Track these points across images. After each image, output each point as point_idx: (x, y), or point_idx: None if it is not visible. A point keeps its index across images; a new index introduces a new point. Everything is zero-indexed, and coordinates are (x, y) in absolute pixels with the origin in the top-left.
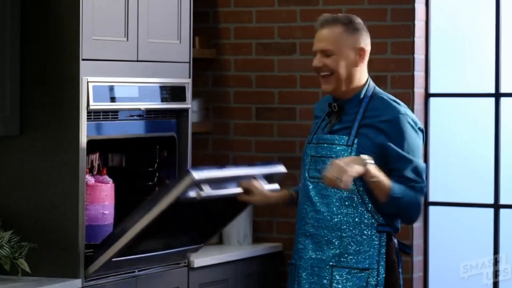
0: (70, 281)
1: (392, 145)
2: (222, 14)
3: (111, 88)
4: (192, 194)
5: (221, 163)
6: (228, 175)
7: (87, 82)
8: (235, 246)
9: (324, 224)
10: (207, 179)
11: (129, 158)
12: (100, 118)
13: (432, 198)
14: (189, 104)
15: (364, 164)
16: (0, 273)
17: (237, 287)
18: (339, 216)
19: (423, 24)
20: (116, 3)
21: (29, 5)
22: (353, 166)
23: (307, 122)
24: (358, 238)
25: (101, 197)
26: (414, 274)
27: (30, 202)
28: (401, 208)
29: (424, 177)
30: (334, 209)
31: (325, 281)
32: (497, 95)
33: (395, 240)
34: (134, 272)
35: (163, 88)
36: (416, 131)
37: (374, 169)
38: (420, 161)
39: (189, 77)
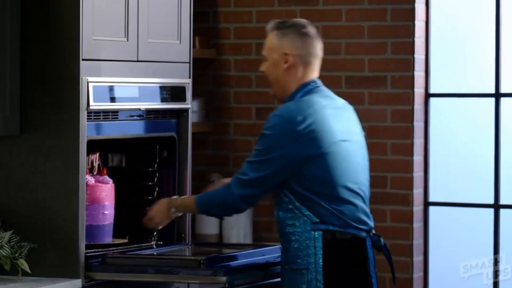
0: (70, 281)
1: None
2: (222, 14)
3: (111, 88)
4: None
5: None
6: None
7: (87, 82)
8: None
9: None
10: None
11: (129, 158)
12: (100, 118)
13: (432, 198)
14: (189, 104)
15: (169, 212)
16: (0, 273)
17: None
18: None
19: (423, 24)
20: (116, 3)
21: (29, 5)
22: (158, 217)
23: None
24: (297, 238)
25: (101, 197)
26: (414, 274)
27: (30, 202)
28: (212, 213)
29: (246, 171)
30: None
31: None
32: (497, 95)
33: (368, 238)
34: None
35: (163, 88)
36: (283, 127)
37: (179, 206)
38: (255, 159)
39: (189, 77)
